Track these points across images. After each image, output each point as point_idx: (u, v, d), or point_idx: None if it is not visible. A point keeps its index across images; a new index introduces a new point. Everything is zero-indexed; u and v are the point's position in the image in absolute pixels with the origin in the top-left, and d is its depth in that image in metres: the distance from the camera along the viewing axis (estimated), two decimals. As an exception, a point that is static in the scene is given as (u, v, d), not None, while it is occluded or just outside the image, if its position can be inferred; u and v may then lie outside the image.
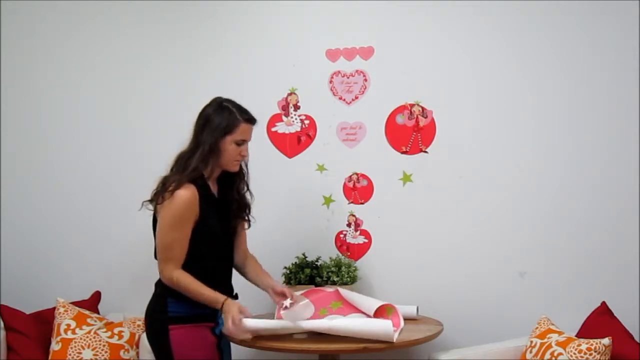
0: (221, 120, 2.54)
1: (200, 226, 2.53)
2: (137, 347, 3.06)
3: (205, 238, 2.55)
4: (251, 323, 2.57)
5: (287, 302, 2.67)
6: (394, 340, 2.53)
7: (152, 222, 2.65)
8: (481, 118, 3.15)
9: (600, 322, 2.73)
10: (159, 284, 2.61)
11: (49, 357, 3.05)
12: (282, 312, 2.77)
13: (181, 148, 3.17)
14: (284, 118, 3.34)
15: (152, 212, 2.65)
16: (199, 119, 2.59)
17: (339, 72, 3.30)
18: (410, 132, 3.22)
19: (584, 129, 3.03)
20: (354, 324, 2.60)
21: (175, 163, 2.58)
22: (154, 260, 3.32)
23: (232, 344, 2.80)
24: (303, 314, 2.77)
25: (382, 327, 2.53)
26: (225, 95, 3.12)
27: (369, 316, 2.73)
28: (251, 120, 2.61)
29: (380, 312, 2.76)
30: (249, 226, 2.79)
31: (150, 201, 2.60)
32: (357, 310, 2.79)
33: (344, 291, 2.87)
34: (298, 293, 2.87)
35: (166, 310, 2.53)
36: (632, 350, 2.60)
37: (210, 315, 2.59)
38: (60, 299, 3.15)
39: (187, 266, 2.52)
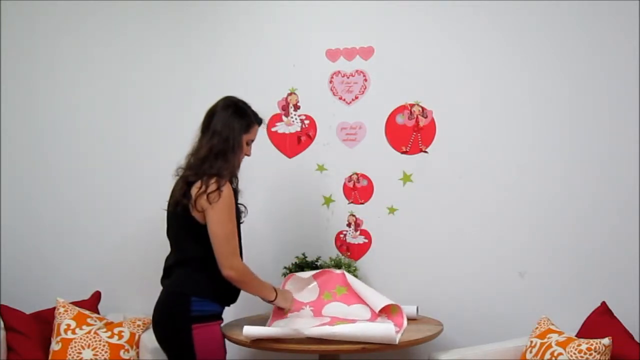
0: (242, 120, 2.71)
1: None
2: (137, 347, 3.05)
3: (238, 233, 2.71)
4: (252, 331, 2.58)
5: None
6: (397, 343, 2.54)
7: (177, 223, 2.71)
8: (481, 118, 3.15)
9: (600, 322, 2.73)
10: (177, 284, 2.66)
11: (49, 357, 3.04)
12: (288, 314, 2.79)
13: (181, 149, 3.18)
14: (284, 118, 3.34)
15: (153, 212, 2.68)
16: (219, 118, 2.69)
17: (339, 72, 3.30)
18: (410, 132, 3.22)
19: (584, 129, 3.03)
20: (356, 329, 2.58)
21: (204, 160, 2.64)
22: (154, 261, 3.32)
23: (232, 344, 2.80)
24: (302, 315, 2.80)
25: (385, 331, 2.53)
26: (226, 95, 3.12)
27: (372, 310, 2.73)
28: (260, 122, 2.80)
29: (384, 310, 2.77)
30: (244, 217, 2.86)
31: (182, 201, 2.65)
32: (361, 300, 2.79)
33: (350, 277, 2.88)
34: (307, 275, 2.87)
35: (190, 309, 2.59)
36: (632, 350, 2.60)
37: (221, 313, 2.70)
38: (60, 299, 3.15)
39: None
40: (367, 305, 2.79)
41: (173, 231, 2.73)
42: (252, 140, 2.77)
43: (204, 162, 2.63)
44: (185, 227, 2.64)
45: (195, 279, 2.64)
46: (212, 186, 2.57)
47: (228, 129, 2.68)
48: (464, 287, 3.16)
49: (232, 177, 2.71)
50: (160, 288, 2.84)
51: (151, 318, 3.10)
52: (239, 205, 2.76)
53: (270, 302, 2.78)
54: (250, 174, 2.89)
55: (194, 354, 2.57)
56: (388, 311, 2.79)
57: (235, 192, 2.76)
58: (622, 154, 2.98)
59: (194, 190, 2.59)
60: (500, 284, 3.12)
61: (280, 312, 2.85)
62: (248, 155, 2.77)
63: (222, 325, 2.73)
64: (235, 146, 2.67)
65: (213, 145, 2.64)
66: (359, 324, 2.66)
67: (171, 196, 2.76)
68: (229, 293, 2.73)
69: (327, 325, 2.65)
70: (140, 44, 3.49)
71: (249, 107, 2.77)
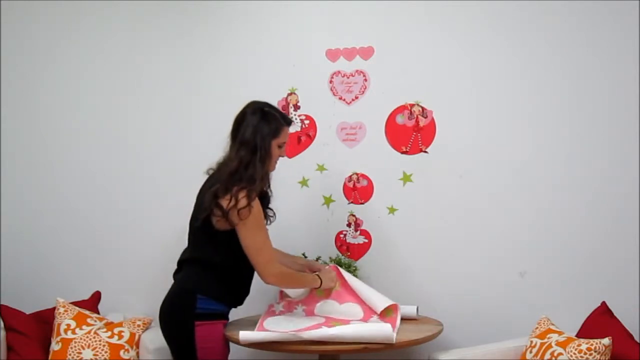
0: (270, 125, 2.67)
1: None
2: (137, 347, 3.05)
3: None
4: (250, 336, 2.58)
5: (280, 307, 2.87)
6: (394, 341, 2.54)
7: (199, 226, 2.69)
8: (481, 118, 3.15)
9: (600, 322, 2.73)
10: (186, 281, 2.72)
11: (49, 357, 3.05)
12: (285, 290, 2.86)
13: (181, 149, 3.19)
14: (284, 118, 3.34)
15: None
16: (247, 126, 2.66)
17: (339, 72, 3.30)
18: (410, 132, 3.22)
19: (584, 129, 3.03)
20: (353, 330, 2.59)
21: (234, 174, 2.61)
22: (154, 261, 3.33)
23: (231, 344, 2.81)
24: (295, 314, 2.82)
25: (381, 331, 2.55)
26: (225, 95, 3.13)
27: (364, 308, 2.77)
28: (290, 123, 2.80)
29: (381, 314, 2.77)
30: (271, 222, 2.86)
31: (215, 213, 2.64)
32: (353, 298, 2.82)
33: (345, 273, 2.90)
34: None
35: (194, 306, 2.64)
36: (632, 350, 2.60)
37: (227, 313, 2.77)
38: (60, 299, 3.15)
39: (232, 268, 2.69)
40: (359, 303, 2.79)
41: (194, 230, 2.75)
42: (284, 142, 2.75)
43: (234, 175, 2.61)
44: (206, 232, 2.67)
45: (204, 278, 2.68)
46: (243, 201, 2.57)
47: (256, 136, 2.65)
48: (464, 287, 3.15)
49: (265, 183, 2.73)
50: (161, 286, 2.86)
51: (151, 318, 3.13)
52: (268, 210, 2.81)
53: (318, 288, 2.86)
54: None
55: (195, 350, 2.63)
56: (382, 314, 2.79)
57: (266, 195, 2.80)
58: (622, 154, 2.97)
59: (224, 202, 2.58)
60: (500, 284, 3.12)
61: (272, 311, 2.89)
62: (283, 156, 2.78)
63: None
64: (263, 155, 2.65)
65: (242, 157, 2.63)
66: (355, 326, 2.67)
67: (198, 196, 2.76)
68: (236, 295, 2.79)
69: (324, 326, 2.66)
70: (140, 44, 3.49)
71: (277, 110, 2.76)
